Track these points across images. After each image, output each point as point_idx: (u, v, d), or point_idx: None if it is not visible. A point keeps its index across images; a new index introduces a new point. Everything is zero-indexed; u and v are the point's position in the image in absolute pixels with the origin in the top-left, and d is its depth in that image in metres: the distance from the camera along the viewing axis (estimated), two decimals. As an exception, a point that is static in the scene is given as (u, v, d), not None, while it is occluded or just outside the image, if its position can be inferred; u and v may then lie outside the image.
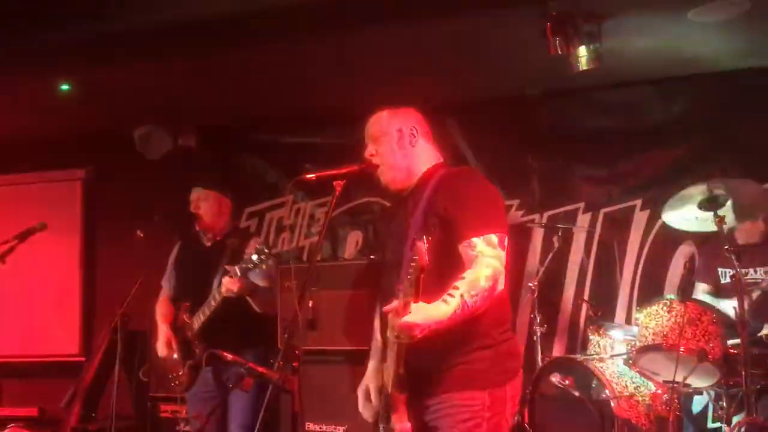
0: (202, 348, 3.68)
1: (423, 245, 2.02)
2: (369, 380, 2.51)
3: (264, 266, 3.27)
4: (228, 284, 3.41)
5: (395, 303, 2.12)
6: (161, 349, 3.86)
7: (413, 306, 2.08)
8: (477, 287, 2.15)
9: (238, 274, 3.34)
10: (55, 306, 5.86)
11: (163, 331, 3.89)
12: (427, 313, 2.10)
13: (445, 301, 2.13)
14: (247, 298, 3.59)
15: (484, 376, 2.25)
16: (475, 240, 2.22)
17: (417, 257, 2.01)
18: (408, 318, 2.08)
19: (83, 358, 5.54)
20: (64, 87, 4.81)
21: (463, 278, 2.17)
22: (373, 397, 2.47)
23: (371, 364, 2.54)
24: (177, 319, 3.89)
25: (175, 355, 3.83)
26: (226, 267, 3.41)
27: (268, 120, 5.66)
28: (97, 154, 5.83)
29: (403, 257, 2.29)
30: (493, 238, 2.23)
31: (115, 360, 4.10)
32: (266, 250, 3.25)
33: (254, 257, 3.26)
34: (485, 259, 2.19)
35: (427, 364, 2.26)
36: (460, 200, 2.29)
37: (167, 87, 4.87)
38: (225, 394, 3.53)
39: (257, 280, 3.68)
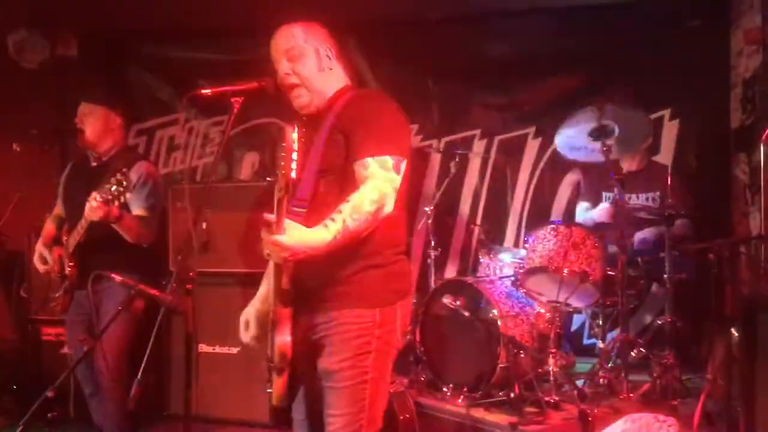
0: (74, 270, 3.54)
1: (291, 133, 1.94)
2: (251, 309, 2.45)
3: (121, 198, 3.11)
4: (88, 210, 3.25)
5: (271, 215, 2.04)
6: (36, 265, 3.72)
7: (289, 224, 2.03)
8: (360, 211, 2.12)
9: (99, 200, 3.18)
10: None
11: (36, 248, 3.75)
12: (303, 237, 2.07)
13: (325, 225, 2.10)
14: (113, 226, 3.44)
15: (374, 295, 2.26)
16: (369, 160, 2.19)
17: (284, 144, 1.93)
18: (281, 238, 2.03)
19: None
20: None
21: (348, 201, 2.14)
22: (251, 325, 2.41)
23: (261, 289, 2.49)
24: (59, 239, 3.72)
25: (54, 276, 3.68)
26: (89, 196, 3.23)
27: (158, 32, 5.35)
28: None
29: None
30: (389, 161, 2.20)
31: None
32: (125, 183, 3.08)
33: (113, 188, 3.09)
34: (374, 182, 2.16)
35: (315, 281, 2.23)
36: (363, 120, 2.25)
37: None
38: (97, 318, 3.41)
39: (136, 204, 3.53)
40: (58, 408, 3.61)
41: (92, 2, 4.74)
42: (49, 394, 2.28)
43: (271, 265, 2.49)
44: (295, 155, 1.95)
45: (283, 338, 2.17)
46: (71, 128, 3.69)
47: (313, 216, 2.18)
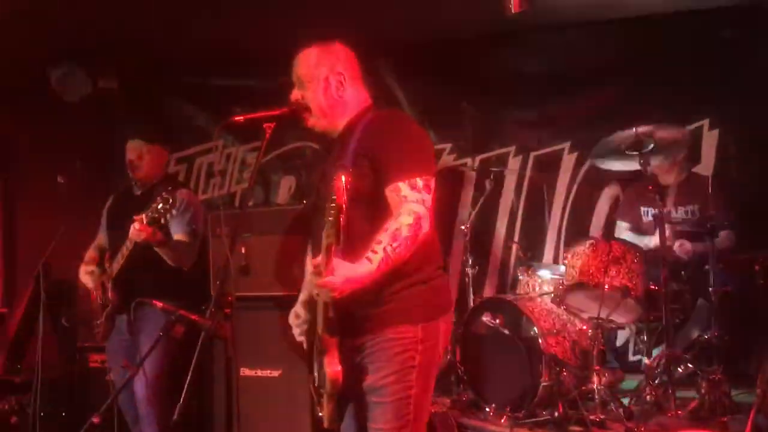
0: (115, 295, 3.61)
1: (341, 182, 1.98)
2: (296, 307, 2.52)
3: (168, 216, 3.18)
4: (132, 232, 3.33)
5: (320, 258, 2.09)
6: (84, 278, 3.79)
7: (337, 264, 2.08)
8: (399, 238, 2.15)
9: (144, 222, 3.25)
10: (-25, 257, 5.62)
11: (81, 268, 3.83)
12: (350, 273, 2.11)
13: (369, 258, 2.13)
14: (156, 249, 3.51)
15: (417, 311, 2.28)
16: (400, 185, 2.22)
17: (335, 196, 1.98)
18: (330, 279, 2.07)
19: (5, 309, 5.36)
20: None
21: (386, 230, 2.17)
22: (301, 312, 2.48)
23: (301, 296, 2.54)
24: (102, 265, 3.81)
25: (100, 301, 3.76)
26: (134, 217, 3.31)
27: (195, 62, 5.47)
28: (13, 96, 5.51)
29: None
30: (418, 181, 2.23)
31: (40, 310, 3.98)
32: (170, 200, 3.16)
33: (159, 206, 3.17)
34: (408, 206, 2.19)
35: (358, 305, 2.25)
36: (387, 144, 2.27)
37: (85, 22, 4.60)
38: (137, 344, 3.47)
39: (176, 229, 3.60)
40: (103, 432, 3.67)
41: (130, 35, 4.88)
42: (95, 420, 2.32)
43: (305, 281, 2.54)
44: (343, 206, 1.98)
45: (334, 368, 2.23)
46: (115, 160, 3.80)
47: (349, 248, 2.18)
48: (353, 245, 2.17)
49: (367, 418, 2.29)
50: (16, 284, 5.50)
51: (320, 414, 2.38)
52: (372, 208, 2.24)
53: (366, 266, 2.13)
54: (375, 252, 2.13)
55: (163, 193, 3.23)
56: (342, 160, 2.29)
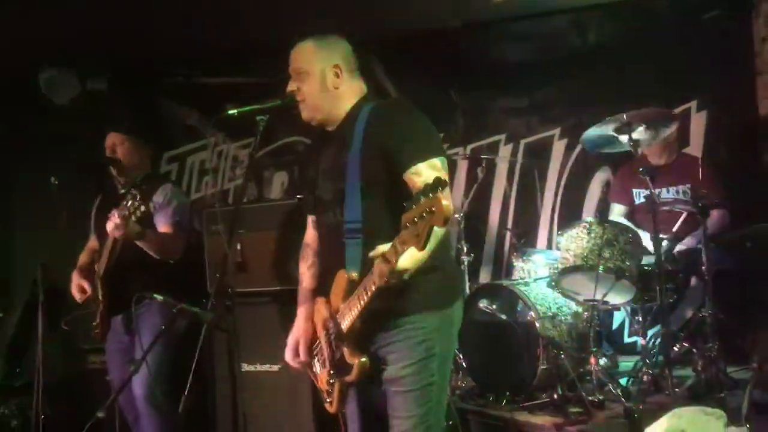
0: (105, 294, 3.61)
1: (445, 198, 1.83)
2: (299, 333, 2.51)
3: (138, 212, 3.18)
4: (109, 228, 3.34)
5: (382, 248, 2.03)
6: (75, 294, 3.80)
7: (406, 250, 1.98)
8: None
9: (118, 217, 3.26)
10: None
11: (73, 278, 3.83)
12: (413, 256, 2.04)
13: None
14: (137, 243, 3.52)
15: (433, 298, 2.30)
16: (420, 165, 2.23)
17: (435, 209, 1.82)
18: (402, 264, 2.02)
19: (1, 314, 5.35)
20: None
21: None
22: (302, 351, 2.48)
23: (300, 312, 2.53)
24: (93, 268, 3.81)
25: (93, 304, 3.76)
26: (109, 214, 3.32)
27: (185, 60, 5.46)
28: (3, 99, 5.49)
29: (344, 195, 2.27)
30: (437, 161, 2.25)
31: (37, 313, 3.98)
32: (139, 197, 3.16)
33: (129, 203, 3.18)
34: None
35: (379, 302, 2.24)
36: (398, 130, 2.28)
37: (73, 23, 4.59)
38: (137, 343, 3.48)
39: (161, 221, 3.61)
40: (106, 430, 3.68)
41: (119, 36, 4.86)
42: (100, 414, 2.34)
43: (305, 285, 2.55)
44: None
45: (360, 357, 2.26)
46: (105, 160, 3.80)
47: (369, 237, 2.20)
48: (373, 233, 2.18)
49: (388, 407, 2.32)
50: (12, 288, 5.50)
51: (328, 401, 2.43)
52: (387, 195, 2.23)
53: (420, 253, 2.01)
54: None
55: (132, 189, 3.25)
56: (349, 153, 2.29)
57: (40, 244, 3.96)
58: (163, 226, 3.69)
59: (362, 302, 2.17)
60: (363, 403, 2.42)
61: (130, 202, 3.19)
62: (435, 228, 1.86)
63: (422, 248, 1.89)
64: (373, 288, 2.11)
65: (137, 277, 3.55)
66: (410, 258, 2.03)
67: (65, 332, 4.55)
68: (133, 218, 3.25)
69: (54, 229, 3.90)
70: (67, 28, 4.62)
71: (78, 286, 3.78)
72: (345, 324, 2.27)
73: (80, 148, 4.77)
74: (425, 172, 2.21)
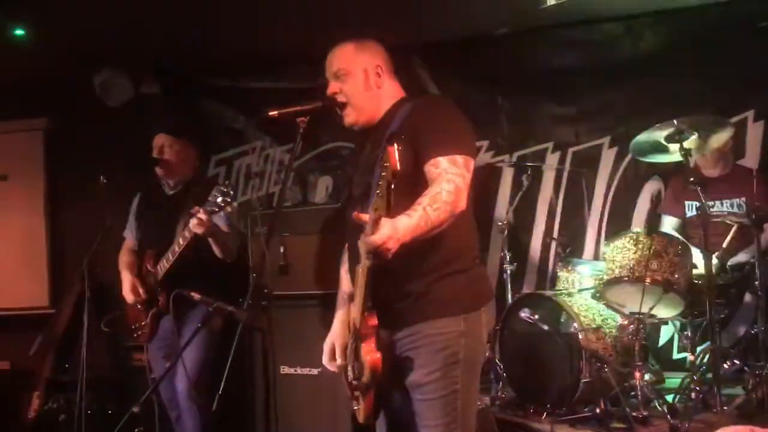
0: (165, 296, 3.64)
1: (394, 149, 1.91)
2: (335, 336, 2.47)
3: (228, 208, 3.23)
4: (194, 224, 3.37)
5: (365, 216, 2.01)
6: (128, 296, 3.84)
7: (382, 221, 1.96)
8: (438, 200, 2.10)
9: (203, 215, 3.30)
10: (22, 258, 5.77)
11: (127, 279, 3.87)
12: (395, 224, 1.99)
13: (408, 215, 2.06)
14: (210, 240, 3.56)
15: (458, 302, 2.23)
16: (440, 159, 2.19)
17: (388, 163, 1.89)
18: (377, 235, 1.96)
19: (53, 310, 5.50)
20: (19, 32, 4.64)
21: (426, 194, 2.12)
22: (338, 355, 2.43)
23: (338, 316, 2.50)
24: (141, 268, 3.86)
25: (139, 306, 3.81)
26: (192, 211, 3.36)
27: (232, 65, 5.53)
28: (58, 101, 5.66)
29: (370, 188, 2.22)
30: (459, 159, 2.20)
31: (85, 309, 4.07)
32: (231, 192, 3.21)
33: (218, 199, 3.22)
34: (447, 176, 2.15)
35: (395, 296, 2.22)
36: (429, 122, 2.26)
37: (125, 28, 4.71)
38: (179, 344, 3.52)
39: (219, 222, 3.66)
40: (145, 425, 3.73)
41: (168, 39, 4.96)
42: (135, 409, 2.37)
43: (344, 288, 2.53)
44: (396, 171, 1.91)
45: (374, 355, 2.18)
46: (152, 161, 3.87)
47: None
48: None
49: (412, 414, 2.26)
50: (62, 285, 5.64)
51: (355, 408, 2.34)
52: (411, 186, 2.17)
53: (405, 220, 2.04)
54: (415, 210, 2.08)
55: (220, 186, 3.28)
56: (380, 147, 2.27)
57: (87, 242, 4.04)
58: (222, 226, 3.73)
59: (361, 291, 2.14)
60: (389, 409, 2.36)
61: (220, 198, 3.23)
62: (423, 205, 2.00)
63: (387, 209, 1.87)
64: (366, 270, 2.07)
65: (196, 278, 3.56)
66: (389, 226, 1.96)
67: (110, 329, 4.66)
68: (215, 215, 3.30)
69: (101, 228, 3.97)
70: (118, 33, 4.74)
71: (133, 287, 3.82)
72: (356, 319, 2.22)
73: (129, 150, 4.88)
74: (443, 165, 2.17)
